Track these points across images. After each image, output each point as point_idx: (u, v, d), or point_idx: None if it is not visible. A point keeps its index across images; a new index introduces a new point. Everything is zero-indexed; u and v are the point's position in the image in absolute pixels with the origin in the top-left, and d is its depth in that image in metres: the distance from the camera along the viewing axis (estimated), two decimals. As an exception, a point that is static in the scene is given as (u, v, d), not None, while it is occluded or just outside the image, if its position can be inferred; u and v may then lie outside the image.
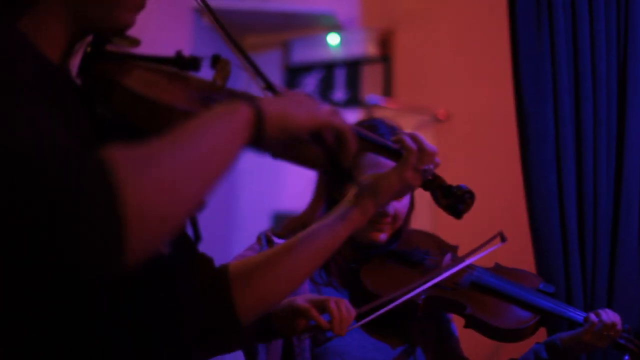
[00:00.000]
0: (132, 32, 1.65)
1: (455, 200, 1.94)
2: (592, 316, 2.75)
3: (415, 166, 1.89)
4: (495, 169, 4.55)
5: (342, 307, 2.30)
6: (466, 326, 2.82)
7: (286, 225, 2.81)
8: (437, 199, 1.97)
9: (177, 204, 1.20)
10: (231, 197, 5.54)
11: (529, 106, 3.40)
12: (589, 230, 3.29)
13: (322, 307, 2.29)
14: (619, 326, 2.75)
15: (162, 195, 1.16)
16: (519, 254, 3.23)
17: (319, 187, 2.88)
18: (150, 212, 1.14)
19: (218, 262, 1.89)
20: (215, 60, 1.70)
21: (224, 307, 1.80)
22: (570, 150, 3.33)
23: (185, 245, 1.73)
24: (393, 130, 2.84)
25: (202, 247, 1.82)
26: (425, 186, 1.97)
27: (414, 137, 1.92)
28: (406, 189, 1.94)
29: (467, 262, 2.83)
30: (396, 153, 1.92)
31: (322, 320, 2.28)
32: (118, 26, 1.57)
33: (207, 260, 1.86)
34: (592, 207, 3.30)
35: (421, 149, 1.90)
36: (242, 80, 1.77)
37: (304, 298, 2.32)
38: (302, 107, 1.49)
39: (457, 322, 2.92)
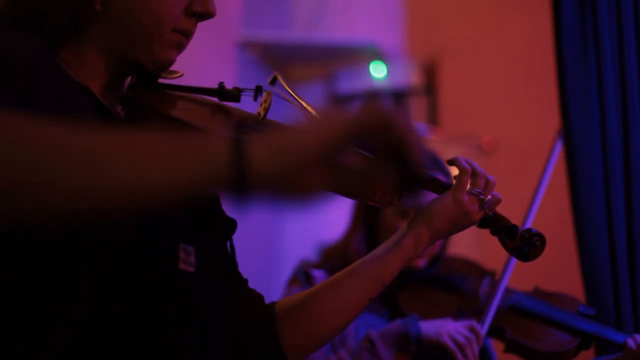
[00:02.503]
0: (175, 68, 1.66)
1: (522, 243, 1.84)
2: (630, 341, 2.71)
3: (471, 189, 1.78)
4: (543, 200, 4.50)
5: (475, 346, 2.41)
6: (506, 350, 2.81)
7: (323, 255, 2.81)
8: (503, 242, 1.87)
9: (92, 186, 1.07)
10: (276, 228, 5.54)
11: (577, 136, 3.37)
12: (639, 258, 3.25)
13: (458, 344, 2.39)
14: None
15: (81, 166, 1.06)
16: (568, 285, 3.21)
17: (357, 213, 2.87)
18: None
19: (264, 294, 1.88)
20: (258, 92, 1.71)
21: (269, 342, 1.76)
22: (618, 178, 3.29)
23: (225, 272, 1.72)
24: (434, 159, 2.82)
25: (250, 280, 1.82)
26: (488, 226, 1.85)
27: (468, 161, 1.82)
28: (464, 218, 1.79)
29: (505, 280, 2.81)
30: (446, 186, 1.82)
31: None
32: (156, 63, 1.59)
33: (256, 296, 1.83)
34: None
35: (475, 172, 1.80)
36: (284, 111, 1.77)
37: (448, 334, 2.43)
38: (310, 124, 1.17)
39: (496, 346, 2.91)
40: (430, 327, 2.49)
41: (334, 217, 3.06)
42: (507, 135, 5.01)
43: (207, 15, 1.61)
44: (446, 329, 2.48)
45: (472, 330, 2.50)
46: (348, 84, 5.66)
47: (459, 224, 1.81)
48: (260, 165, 1.10)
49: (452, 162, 1.85)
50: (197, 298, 1.50)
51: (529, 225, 2.87)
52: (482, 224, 1.83)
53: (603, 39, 3.34)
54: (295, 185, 1.13)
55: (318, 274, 2.69)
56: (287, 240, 5.58)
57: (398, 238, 1.80)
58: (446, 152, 5.03)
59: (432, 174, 1.85)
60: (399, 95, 5.53)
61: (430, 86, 5.48)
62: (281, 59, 5.31)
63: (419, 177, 1.22)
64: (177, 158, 1.10)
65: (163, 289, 1.43)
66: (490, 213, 1.83)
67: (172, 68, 1.66)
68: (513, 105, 5.05)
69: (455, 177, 1.82)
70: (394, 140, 1.19)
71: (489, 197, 1.81)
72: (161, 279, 1.43)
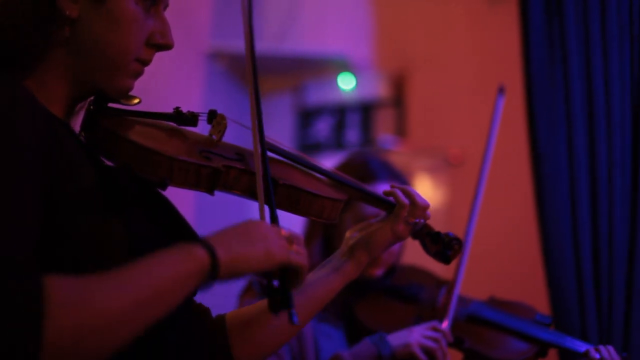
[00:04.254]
0: (145, 78, 1.69)
1: (444, 247, 2.00)
2: (592, 352, 2.73)
3: (407, 220, 1.96)
4: (509, 211, 4.53)
5: (444, 346, 2.43)
6: (465, 359, 2.83)
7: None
8: (426, 247, 2.05)
9: (109, 337, 1.28)
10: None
11: (543, 148, 3.39)
12: (605, 271, 3.27)
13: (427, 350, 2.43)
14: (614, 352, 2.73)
15: (93, 330, 1.25)
16: (534, 297, 3.23)
17: (312, 229, 2.88)
18: (76, 342, 1.23)
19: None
20: (212, 116, 1.76)
21: (221, 355, 1.84)
22: (584, 191, 3.32)
23: None
24: (385, 166, 2.84)
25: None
26: (414, 235, 2.04)
27: (406, 192, 1.99)
28: (397, 240, 2.00)
29: (459, 284, 2.84)
30: (389, 205, 1.99)
31: None
32: (117, 91, 1.66)
33: (204, 311, 1.89)
34: (608, 248, 3.28)
35: (413, 203, 1.97)
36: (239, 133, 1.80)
37: (417, 342, 2.44)
38: (260, 246, 1.50)
39: (455, 356, 2.92)
40: (398, 340, 2.50)
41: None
42: (474, 148, 5.02)
43: (167, 47, 1.70)
44: (414, 338, 2.50)
45: (436, 330, 2.52)
46: (316, 96, 5.66)
47: (392, 245, 2.03)
48: (224, 275, 1.44)
49: (389, 195, 2.00)
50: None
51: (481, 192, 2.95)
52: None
53: (570, 54, 3.37)
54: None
55: (273, 284, 2.69)
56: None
57: (341, 263, 1.99)
58: (414, 164, 5.05)
59: (378, 194, 2.01)
60: (367, 107, 5.54)
61: (398, 98, 5.49)
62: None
63: (290, 298, 1.55)
64: (166, 292, 1.36)
65: None
66: (419, 227, 2.00)
67: (141, 80, 1.69)
68: (480, 118, 5.07)
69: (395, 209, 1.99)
70: (295, 280, 1.57)
71: (422, 220, 2.00)
72: None
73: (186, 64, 4.52)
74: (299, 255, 1.55)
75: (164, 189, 1.65)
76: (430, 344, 2.52)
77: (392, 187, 1.99)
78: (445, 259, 2.00)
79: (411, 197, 1.96)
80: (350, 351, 2.55)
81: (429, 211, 2.01)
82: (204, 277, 1.41)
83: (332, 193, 1.88)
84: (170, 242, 1.60)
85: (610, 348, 2.76)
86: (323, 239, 2.84)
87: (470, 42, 5.24)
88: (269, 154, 1.82)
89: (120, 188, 1.51)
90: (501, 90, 3.02)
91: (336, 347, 2.69)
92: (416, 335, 2.53)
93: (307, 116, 5.64)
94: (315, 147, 5.48)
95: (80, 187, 1.45)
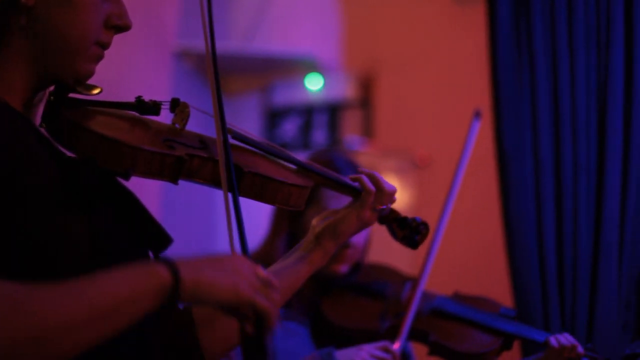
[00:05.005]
0: (111, 76, 1.67)
1: (411, 232, 2.00)
2: (552, 339, 2.76)
3: (374, 206, 1.94)
4: (475, 213, 4.55)
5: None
6: (430, 353, 2.87)
7: None
8: (393, 232, 2.04)
9: (52, 348, 1.26)
10: (210, 233, 5.51)
11: (509, 151, 3.41)
12: (569, 275, 3.30)
13: None
14: (580, 349, 2.76)
15: (31, 340, 1.23)
16: (498, 294, 3.25)
17: (278, 219, 2.87)
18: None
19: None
20: (175, 104, 1.75)
21: (191, 349, 1.83)
22: (549, 192, 3.34)
23: None
24: (350, 164, 2.85)
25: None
26: (381, 221, 2.03)
27: (372, 177, 1.97)
28: (364, 227, 1.98)
29: (424, 279, 2.86)
30: (355, 191, 1.97)
31: None
32: (78, 76, 1.64)
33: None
34: (572, 252, 3.31)
35: (380, 189, 1.96)
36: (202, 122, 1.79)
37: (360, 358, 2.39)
38: (229, 278, 1.46)
39: (420, 350, 2.94)
40: (345, 356, 2.48)
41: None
42: (441, 150, 5.04)
43: (126, 27, 1.68)
44: (361, 356, 2.46)
45: (386, 350, 2.50)
46: (284, 96, 5.66)
47: (359, 232, 2.01)
48: (185, 297, 1.40)
49: (355, 180, 1.98)
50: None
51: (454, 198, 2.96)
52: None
53: (537, 56, 3.39)
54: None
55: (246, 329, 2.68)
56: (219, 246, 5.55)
57: (307, 252, 1.97)
58: (380, 165, 5.06)
59: (345, 180, 1.99)
60: (334, 108, 5.55)
61: (366, 99, 5.50)
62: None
63: (262, 346, 1.51)
64: (138, 302, 1.34)
65: None
66: (386, 213, 2.00)
67: (102, 79, 1.68)
68: (447, 120, 5.08)
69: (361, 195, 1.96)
70: (260, 324, 1.50)
71: (388, 205, 1.99)
72: None
73: (153, 62, 4.51)
74: (268, 301, 1.50)
75: (127, 179, 1.64)
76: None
77: (358, 171, 1.98)
78: (413, 244, 2.00)
79: (377, 183, 1.95)
80: None
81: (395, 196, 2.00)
82: (165, 295, 1.37)
83: (298, 180, 1.87)
84: (134, 238, 1.60)
85: (567, 335, 2.79)
86: (288, 234, 2.83)
87: (438, 44, 5.26)
88: (235, 142, 1.82)
89: (82, 183, 1.49)
90: (477, 115, 3.04)
91: (301, 345, 2.69)
92: (364, 354, 2.50)
93: (274, 116, 5.64)
94: (283, 147, 5.47)
95: (41, 183, 1.43)
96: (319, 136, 5.54)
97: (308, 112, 5.60)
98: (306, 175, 1.93)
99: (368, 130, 5.44)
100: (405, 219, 2.01)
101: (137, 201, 1.66)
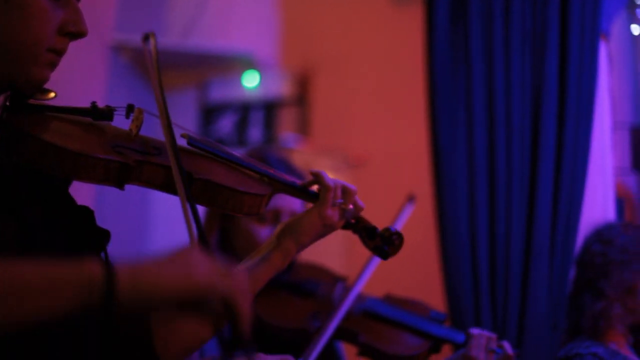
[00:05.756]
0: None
1: (382, 242, 1.95)
2: (473, 330, 2.82)
3: (334, 203, 1.90)
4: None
5: None
6: (360, 354, 2.88)
7: None
8: (363, 242, 1.98)
9: None
10: (145, 231, 5.48)
11: (443, 152, 3.45)
12: (501, 275, 3.34)
13: None
14: (508, 348, 2.80)
15: None
16: (431, 298, 3.27)
17: (210, 217, 2.85)
18: None
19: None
20: (129, 110, 1.74)
21: (145, 353, 1.80)
22: (483, 193, 3.38)
23: None
24: (283, 162, 2.84)
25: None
26: (350, 228, 1.97)
27: (331, 178, 1.93)
28: (328, 228, 1.92)
29: (361, 284, 2.87)
30: (315, 197, 1.93)
31: None
32: (32, 82, 1.62)
33: None
34: (504, 252, 3.35)
35: (337, 185, 1.91)
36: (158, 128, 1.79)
37: None
38: (179, 268, 1.37)
39: (350, 350, 2.96)
40: None
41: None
42: (376, 149, 5.07)
43: (80, 35, 1.66)
44: None
45: None
46: (220, 93, 5.65)
47: (323, 235, 1.94)
48: (124, 301, 1.31)
49: (315, 176, 1.94)
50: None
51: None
52: (344, 227, 1.96)
53: (473, 59, 3.43)
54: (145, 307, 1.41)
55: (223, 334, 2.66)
56: (155, 241, 5.53)
57: (267, 253, 1.91)
58: (315, 163, 5.06)
59: (300, 184, 1.95)
60: (270, 105, 5.55)
61: (302, 97, 5.51)
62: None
63: (241, 337, 1.44)
64: (55, 291, 1.29)
65: None
66: (353, 220, 1.94)
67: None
68: (383, 120, 5.11)
69: (319, 193, 1.92)
70: (230, 314, 1.42)
71: (351, 206, 1.92)
72: None
73: (89, 56, 4.47)
74: (232, 284, 1.41)
75: (68, 184, 1.64)
76: None
77: (312, 172, 1.95)
78: (383, 254, 1.95)
79: (334, 180, 1.91)
80: None
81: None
82: (94, 292, 1.30)
83: (254, 188, 1.86)
84: (69, 242, 1.59)
85: (480, 330, 2.83)
86: (221, 231, 2.82)
87: (375, 44, 5.29)
88: (189, 147, 1.82)
89: (15, 186, 1.48)
90: (411, 200, 3.05)
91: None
92: None
93: (210, 112, 5.63)
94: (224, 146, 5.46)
95: None
96: (255, 133, 5.54)
97: (244, 109, 5.60)
98: (265, 183, 1.91)
99: (304, 129, 5.45)
100: (374, 228, 1.96)
101: (76, 206, 1.66)
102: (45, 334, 1.47)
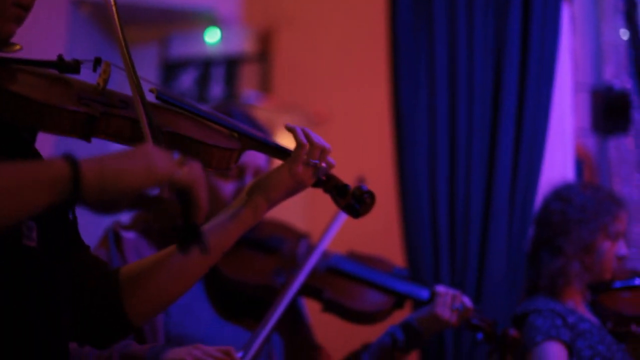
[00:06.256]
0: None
1: (353, 201, 1.94)
2: (439, 288, 2.85)
3: (306, 161, 1.88)
4: (370, 170, 4.58)
5: None
6: (324, 310, 2.89)
7: (135, 215, 2.77)
8: (335, 200, 1.96)
9: None
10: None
11: (405, 110, 3.45)
12: (460, 234, 3.36)
13: None
14: (469, 304, 2.86)
15: None
16: (392, 254, 3.29)
17: None
18: None
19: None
20: (97, 63, 1.74)
21: (112, 309, 1.80)
22: (443, 154, 3.39)
23: (67, 242, 1.74)
24: (248, 118, 2.82)
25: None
26: (321, 186, 1.95)
27: (305, 132, 1.91)
28: (299, 185, 1.91)
29: (326, 241, 2.88)
30: (286, 154, 1.92)
31: None
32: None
33: (99, 263, 1.86)
34: (464, 211, 3.37)
35: (312, 143, 1.89)
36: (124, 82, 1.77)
37: (192, 357, 2.25)
38: (140, 162, 1.42)
39: (314, 307, 2.97)
40: (176, 353, 2.30)
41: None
42: (338, 107, 5.06)
43: None
44: (193, 354, 2.30)
45: (226, 353, 2.31)
46: (181, 49, 5.60)
47: (294, 192, 1.93)
48: (91, 190, 1.36)
49: (289, 130, 1.92)
50: (41, 271, 1.56)
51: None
52: (315, 184, 1.94)
53: (436, 20, 3.42)
54: (111, 203, 1.41)
55: (129, 235, 2.65)
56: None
57: (237, 209, 1.89)
58: (278, 120, 5.05)
59: (272, 140, 1.95)
60: (232, 62, 5.52)
61: (264, 54, 5.48)
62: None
63: (196, 226, 1.49)
64: (24, 189, 1.32)
65: (7, 265, 1.49)
66: (324, 178, 1.93)
67: None
68: (345, 77, 5.10)
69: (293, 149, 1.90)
70: (188, 202, 1.48)
71: (323, 164, 1.90)
72: (5, 256, 1.48)
73: (49, 10, 4.41)
74: (189, 172, 1.47)
75: (34, 136, 1.64)
76: (209, 359, 2.34)
77: (287, 127, 1.93)
78: (354, 213, 1.94)
79: (309, 137, 1.89)
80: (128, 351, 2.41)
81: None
82: (64, 189, 1.34)
83: (222, 142, 1.85)
84: None
85: (445, 287, 2.89)
86: None
87: (338, 1, 5.26)
88: (157, 102, 1.81)
89: None
90: (361, 182, 3.03)
91: (194, 298, 2.68)
92: (198, 352, 2.34)
93: (171, 68, 5.59)
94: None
95: None
96: (216, 90, 5.51)
97: (205, 65, 5.56)
98: (234, 138, 1.89)
99: (265, 85, 5.43)
100: (346, 186, 1.94)
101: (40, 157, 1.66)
102: (15, 294, 1.49)
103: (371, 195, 1.95)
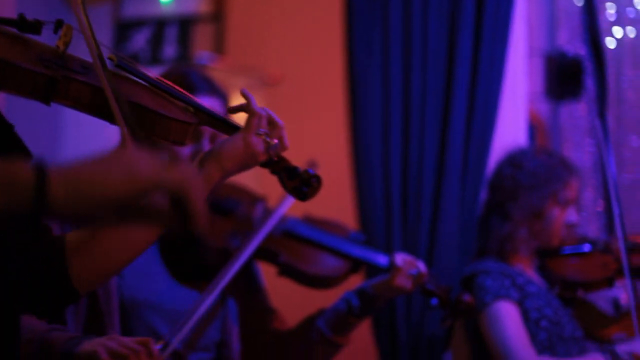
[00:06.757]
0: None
1: (301, 183, 1.93)
2: (397, 258, 2.86)
3: (259, 132, 1.86)
4: (323, 134, 4.58)
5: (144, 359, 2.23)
6: (280, 274, 2.90)
7: None
8: (282, 182, 1.95)
9: None
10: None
11: (359, 73, 3.45)
12: (413, 197, 3.38)
13: (121, 358, 2.18)
14: (425, 269, 2.87)
15: None
16: (347, 219, 3.30)
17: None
18: None
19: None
20: (58, 25, 1.71)
21: (58, 276, 1.76)
22: (397, 118, 3.40)
23: None
24: (205, 80, 2.80)
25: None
26: (270, 167, 1.94)
27: (260, 107, 1.90)
28: (251, 158, 1.88)
29: (284, 207, 2.87)
30: (237, 128, 1.90)
31: None
32: None
33: (44, 228, 1.82)
34: (417, 175, 3.38)
35: (267, 116, 1.88)
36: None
37: (105, 348, 2.21)
38: (120, 164, 1.26)
39: (269, 271, 2.97)
40: (90, 345, 2.22)
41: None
42: (292, 69, 5.04)
43: None
44: (108, 345, 2.22)
45: (143, 344, 2.23)
46: (135, 8, 5.54)
47: (246, 165, 1.89)
48: (59, 202, 1.21)
49: (244, 97, 1.91)
50: None
51: None
52: (265, 164, 1.92)
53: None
54: (86, 216, 1.28)
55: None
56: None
57: None
58: (230, 82, 5.02)
59: (225, 117, 1.93)
60: (185, 22, 5.47)
61: (218, 14, 5.43)
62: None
63: (194, 234, 1.34)
64: None
65: None
66: (276, 158, 1.91)
67: None
68: (300, 39, 5.08)
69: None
70: (183, 209, 1.31)
71: (276, 141, 1.89)
72: None
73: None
74: (181, 175, 1.31)
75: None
76: (124, 350, 2.26)
77: (241, 92, 1.92)
78: (301, 196, 1.93)
79: (266, 110, 1.88)
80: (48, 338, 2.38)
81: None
82: (25, 194, 1.20)
83: (179, 115, 1.82)
84: None
85: (403, 254, 2.91)
86: None
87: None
88: (116, 70, 1.78)
89: None
90: (312, 166, 3.00)
91: (148, 261, 2.67)
92: (112, 343, 2.22)
93: (124, 29, 5.52)
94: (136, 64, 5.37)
95: None
96: (169, 50, 5.46)
97: (159, 25, 5.50)
98: (190, 112, 1.87)
99: (219, 46, 5.39)
100: (295, 168, 1.92)
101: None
102: None
103: (318, 180, 1.93)
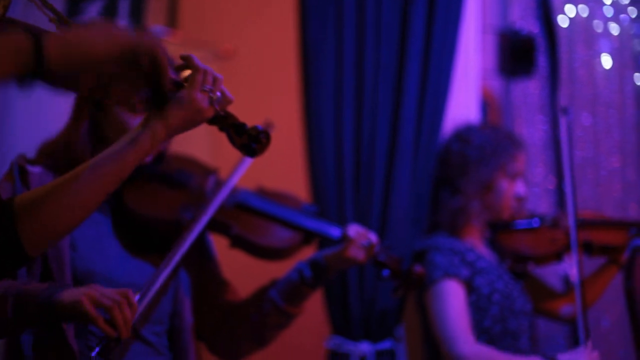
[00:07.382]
0: None
1: (249, 140, 1.93)
2: (350, 230, 2.90)
3: (203, 87, 1.86)
4: (276, 108, 4.58)
5: (126, 310, 2.23)
6: (232, 246, 2.91)
7: (41, 150, 2.71)
8: (231, 138, 1.96)
9: None
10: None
11: (311, 48, 3.44)
12: (365, 170, 3.39)
13: (103, 307, 2.22)
14: (376, 241, 2.91)
15: None
16: (300, 191, 3.31)
17: (79, 106, 2.74)
18: None
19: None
20: None
21: (7, 238, 1.77)
22: (349, 92, 3.40)
23: None
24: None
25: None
26: (218, 123, 1.94)
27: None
28: (197, 115, 1.88)
29: (236, 178, 2.87)
30: (182, 85, 1.88)
31: (110, 330, 2.22)
32: None
33: None
34: (369, 149, 3.39)
35: (205, 70, 1.88)
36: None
37: (88, 297, 2.22)
38: (100, 32, 1.51)
39: (222, 243, 2.97)
40: (71, 294, 2.25)
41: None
42: (245, 43, 5.03)
43: None
44: (90, 293, 2.23)
45: (124, 295, 2.26)
46: (86, -20, 5.49)
47: (193, 121, 1.89)
48: (54, 60, 1.44)
49: (185, 59, 1.90)
50: None
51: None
52: (212, 121, 1.92)
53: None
54: (71, 80, 1.53)
55: (35, 169, 2.59)
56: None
57: (134, 135, 1.85)
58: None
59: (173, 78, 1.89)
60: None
61: (171, -13, 5.40)
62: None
63: (164, 91, 1.65)
64: None
65: None
66: (222, 112, 1.91)
67: None
68: (253, 13, 5.06)
69: (188, 75, 1.88)
70: (155, 66, 1.63)
71: (219, 94, 1.89)
72: None
73: None
74: (150, 38, 1.61)
75: None
76: (106, 301, 2.24)
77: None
78: (251, 152, 1.94)
79: (205, 66, 1.88)
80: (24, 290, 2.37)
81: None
82: (27, 59, 1.42)
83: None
84: None
85: (356, 226, 2.95)
86: (90, 121, 2.71)
87: None
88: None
89: None
90: (268, 125, 2.98)
91: (102, 233, 2.66)
92: (94, 292, 2.25)
93: (76, 1, 5.47)
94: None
95: None
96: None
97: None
98: None
99: (172, 20, 5.35)
100: (242, 125, 1.93)
101: None
102: None
103: (267, 135, 1.94)
